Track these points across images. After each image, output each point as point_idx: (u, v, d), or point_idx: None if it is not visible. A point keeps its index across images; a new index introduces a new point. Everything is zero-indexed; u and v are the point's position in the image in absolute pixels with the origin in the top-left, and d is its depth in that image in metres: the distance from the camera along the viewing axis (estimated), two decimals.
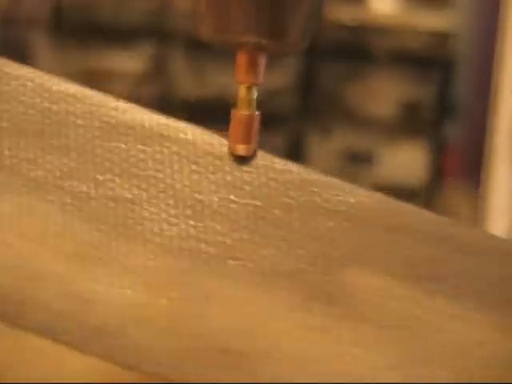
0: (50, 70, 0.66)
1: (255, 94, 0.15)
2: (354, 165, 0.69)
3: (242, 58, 0.14)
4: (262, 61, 0.14)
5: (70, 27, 0.70)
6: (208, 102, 0.68)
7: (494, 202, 0.87)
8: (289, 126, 0.70)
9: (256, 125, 0.15)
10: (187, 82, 0.69)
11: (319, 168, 0.69)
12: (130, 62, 0.69)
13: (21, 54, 0.71)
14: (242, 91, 0.14)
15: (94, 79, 0.71)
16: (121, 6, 0.68)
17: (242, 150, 0.15)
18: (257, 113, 0.15)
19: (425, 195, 0.70)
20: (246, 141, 0.15)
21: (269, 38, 0.14)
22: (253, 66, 0.14)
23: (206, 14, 0.14)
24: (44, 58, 0.71)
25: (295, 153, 0.70)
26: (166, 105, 0.73)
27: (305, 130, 0.70)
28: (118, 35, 0.70)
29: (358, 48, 0.67)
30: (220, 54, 0.67)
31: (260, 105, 0.57)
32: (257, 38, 0.14)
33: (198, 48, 0.67)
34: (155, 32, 0.70)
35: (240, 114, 0.14)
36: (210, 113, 0.63)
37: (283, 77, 0.68)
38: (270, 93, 0.68)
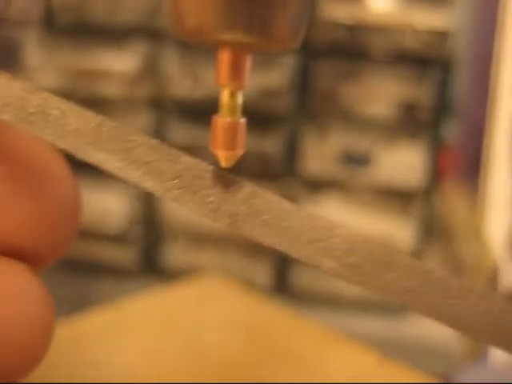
0: (41, 70, 0.65)
1: (240, 99, 0.13)
2: (351, 165, 0.68)
3: (224, 58, 0.12)
4: (248, 61, 0.13)
5: (61, 27, 0.69)
6: (201, 102, 0.67)
7: (493, 202, 0.86)
8: (285, 127, 0.69)
9: (241, 133, 0.13)
10: (180, 81, 0.67)
11: (316, 169, 0.68)
12: (121, 61, 0.68)
13: (13, 55, 0.70)
14: (224, 96, 0.13)
15: (85, 79, 0.70)
16: (113, 5, 0.67)
17: (224, 157, 0.13)
18: (242, 120, 0.13)
19: (423, 196, 0.69)
20: (230, 147, 0.13)
21: (256, 35, 0.11)
22: (237, 67, 0.12)
23: (183, 8, 0.12)
24: (35, 58, 0.70)
25: (291, 153, 0.69)
26: (159, 104, 0.72)
27: (301, 130, 0.69)
28: (110, 35, 0.68)
29: (355, 47, 0.66)
30: (214, 54, 0.66)
31: (255, 105, 0.56)
32: (242, 35, 0.11)
33: (191, 47, 0.66)
34: (147, 31, 0.69)
35: (222, 121, 0.13)
36: (203, 113, 0.62)
37: (279, 76, 0.67)
38: (266, 93, 0.67)
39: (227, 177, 0.13)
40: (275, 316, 0.30)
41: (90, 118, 0.13)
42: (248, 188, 0.13)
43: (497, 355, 0.79)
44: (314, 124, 0.69)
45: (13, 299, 0.12)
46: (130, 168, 0.13)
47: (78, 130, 0.13)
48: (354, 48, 0.66)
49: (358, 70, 0.67)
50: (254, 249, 0.71)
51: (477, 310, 0.13)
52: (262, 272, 0.71)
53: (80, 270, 0.71)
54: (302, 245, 0.13)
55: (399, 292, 0.13)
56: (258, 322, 0.29)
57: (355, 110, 0.67)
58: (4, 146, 0.13)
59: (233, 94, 0.13)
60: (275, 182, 0.69)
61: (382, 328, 0.67)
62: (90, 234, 0.70)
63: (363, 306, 0.69)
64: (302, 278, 0.70)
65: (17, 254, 0.13)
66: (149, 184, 0.13)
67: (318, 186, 0.69)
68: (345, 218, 0.67)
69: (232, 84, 0.12)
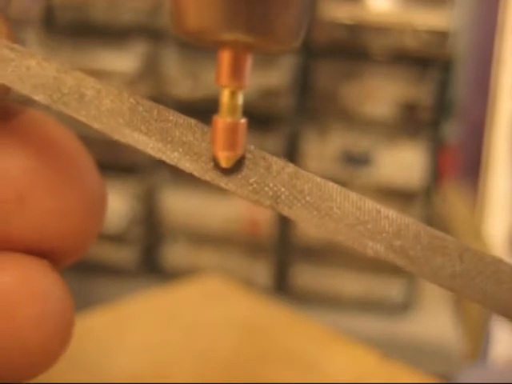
0: None
1: (241, 99, 0.12)
2: (351, 165, 0.68)
3: (224, 58, 0.12)
4: (248, 61, 0.12)
5: (61, 26, 0.69)
6: (201, 102, 0.67)
7: (492, 201, 0.86)
8: (285, 127, 0.69)
9: (242, 133, 0.13)
10: (180, 81, 0.67)
11: (316, 169, 0.68)
12: (122, 61, 0.68)
13: None
14: (225, 96, 0.12)
15: None
16: (113, 5, 0.67)
17: (225, 157, 0.13)
18: (242, 120, 0.13)
19: (423, 196, 0.69)
20: (231, 147, 0.13)
21: (257, 35, 0.11)
22: (238, 67, 0.12)
23: (183, 8, 0.12)
24: None
25: (292, 154, 0.69)
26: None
27: (301, 130, 0.69)
28: (111, 34, 0.68)
29: (355, 47, 0.66)
30: (214, 54, 0.66)
31: (255, 105, 0.56)
32: (243, 35, 0.11)
33: (191, 47, 0.65)
34: (148, 31, 0.68)
35: (223, 121, 0.12)
36: (203, 113, 0.62)
37: (279, 76, 0.67)
38: (266, 93, 0.67)
39: (269, 157, 0.13)
40: (275, 316, 0.30)
41: (126, 97, 0.13)
42: (291, 168, 0.13)
43: (496, 355, 0.79)
44: (315, 124, 0.69)
45: (33, 298, 0.12)
46: (167, 149, 0.13)
47: (113, 110, 0.13)
48: (354, 48, 0.66)
49: (358, 69, 0.67)
50: (254, 249, 0.71)
51: None
52: (262, 272, 0.71)
53: (80, 270, 0.71)
54: (347, 227, 0.12)
55: (448, 277, 0.12)
56: (258, 322, 0.29)
57: (355, 109, 0.67)
58: (28, 139, 0.13)
59: (233, 94, 0.12)
60: None
61: (381, 328, 0.67)
62: None
63: (363, 306, 0.69)
64: (301, 278, 0.70)
65: (40, 251, 0.13)
66: (186, 165, 0.13)
67: None
68: None
69: (232, 84, 0.12)
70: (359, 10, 0.65)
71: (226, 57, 0.12)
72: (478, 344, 0.71)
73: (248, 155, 0.13)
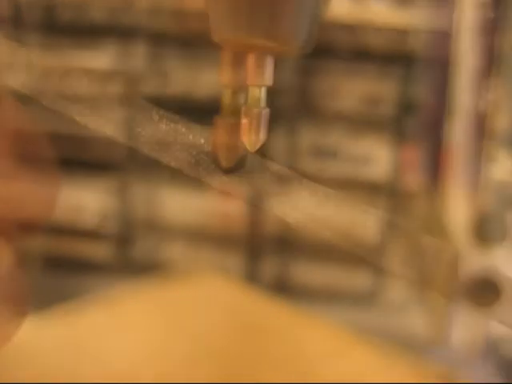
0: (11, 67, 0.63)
1: (242, 100, 0.13)
2: (318, 160, 0.68)
3: (226, 58, 0.12)
4: (249, 61, 0.12)
5: (32, 25, 0.69)
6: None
7: (453, 192, 0.87)
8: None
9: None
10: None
11: (284, 164, 0.68)
12: (93, 59, 0.68)
13: None
14: (226, 96, 0.13)
15: (58, 77, 0.70)
16: (83, 3, 0.67)
17: (226, 157, 0.13)
18: (244, 121, 0.13)
19: (387, 188, 0.70)
20: (232, 148, 0.13)
21: (258, 35, 0.11)
22: (239, 67, 0.12)
23: (225, 13, 0.11)
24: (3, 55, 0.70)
25: (260, 149, 0.69)
26: (129, 102, 0.72)
27: (269, 125, 0.69)
28: (81, 33, 0.68)
29: (320, 44, 0.67)
30: (185, 52, 0.67)
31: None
32: (245, 36, 0.11)
33: (162, 45, 0.66)
34: (118, 29, 0.69)
35: (224, 121, 0.13)
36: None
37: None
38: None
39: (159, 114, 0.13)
40: (275, 316, 0.30)
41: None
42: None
43: (459, 340, 0.79)
44: (281, 120, 0.69)
45: None
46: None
47: None
48: (319, 45, 0.67)
49: (324, 66, 0.68)
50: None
51: None
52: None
53: (59, 265, 0.71)
54: None
55: None
56: (257, 322, 0.29)
57: (321, 105, 0.68)
58: None
59: (234, 95, 0.12)
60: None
61: (348, 318, 0.67)
62: (66, 230, 0.71)
63: (331, 297, 0.69)
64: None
65: None
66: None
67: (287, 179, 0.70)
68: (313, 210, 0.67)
69: (233, 84, 0.12)
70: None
71: (227, 57, 0.12)
72: (442, 329, 0.71)
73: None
